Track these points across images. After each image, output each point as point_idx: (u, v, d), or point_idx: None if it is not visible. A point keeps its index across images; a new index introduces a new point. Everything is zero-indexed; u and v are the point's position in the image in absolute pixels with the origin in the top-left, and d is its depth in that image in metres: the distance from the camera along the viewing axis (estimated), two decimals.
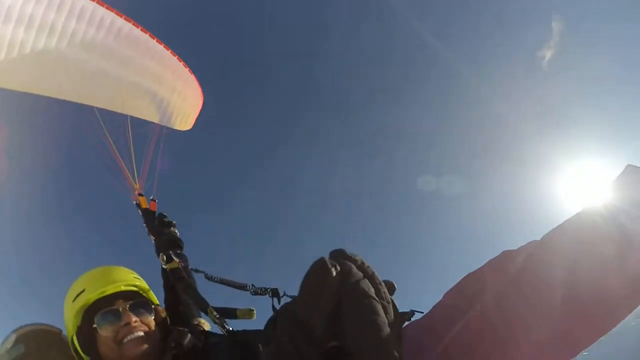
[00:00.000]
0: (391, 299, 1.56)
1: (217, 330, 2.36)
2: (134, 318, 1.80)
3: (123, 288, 1.89)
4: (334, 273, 1.47)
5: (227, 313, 2.37)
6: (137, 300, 1.88)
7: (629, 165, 1.72)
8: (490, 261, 1.79)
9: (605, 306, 1.57)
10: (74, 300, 1.84)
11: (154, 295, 2.09)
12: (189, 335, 1.96)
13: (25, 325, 2.11)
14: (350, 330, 1.36)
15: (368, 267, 1.59)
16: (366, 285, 1.47)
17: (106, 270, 1.99)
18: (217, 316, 2.30)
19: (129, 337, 1.76)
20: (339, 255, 1.59)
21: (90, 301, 1.82)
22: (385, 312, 1.42)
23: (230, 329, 2.25)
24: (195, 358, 1.86)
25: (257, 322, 2.37)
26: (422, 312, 1.82)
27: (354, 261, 1.56)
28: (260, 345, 1.85)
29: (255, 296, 2.26)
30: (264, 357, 1.46)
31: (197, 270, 2.72)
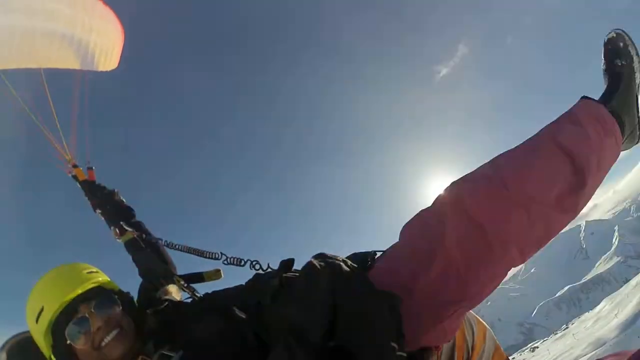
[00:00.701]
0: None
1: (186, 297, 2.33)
2: (103, 318, 1.73)
3: (81, 290, 1.78)
4: (325, 272, 1.49)
5: (194, 278, 2.46)
6: (100, 298, 1.78)
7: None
8: (443, 195, 1.75)
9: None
10: (37, 322, 1.74)
11: (114, 283, 1.99)
12: (162, 314, 1.92)
13: (7, 341, 1.97)
14: (346, 328, 1.37)
15: (351, 264, 1.60)
16: (358, 281, 1.50)
17: (57, 276, 1.86)
18: (185, 284, 2.35)
19: (106, 340, 1.71)
20: (323, 257, 1.60)
21: (54, 317, 1.72)
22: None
23: (201, 295, 2.25)
24: (173, 335, 1.80)
25: (225, 283, 2.42)
26: (383, 250, 1.82)
27: (339, 260, 1.58)
28: (234, 308, 1.81)
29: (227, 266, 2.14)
30: None
31: (154, 238, 2.68)
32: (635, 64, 2.01)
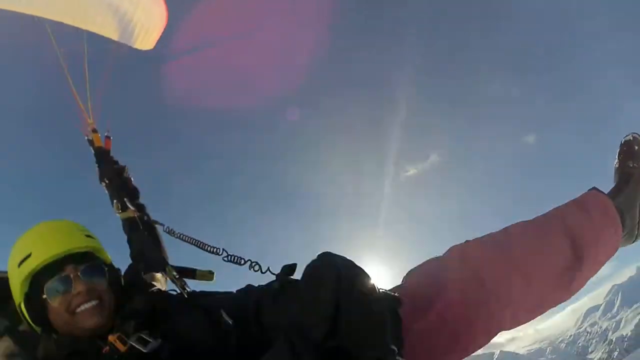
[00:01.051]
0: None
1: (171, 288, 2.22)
2: (86, 285, 1.67)
3: (73, 250, 1.72)
4: (332, 271, 1.43)
5: (185, 272, 2.32)
6: (89, 264, 1.72)
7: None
8: (453, 248, 1.81)
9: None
10: (19, 265, 1.68)
11: (107, 254, 1.93)
12: (147, 300, 1.86)
13: None
14: (348, 327, 1.33)
15: (358, 266, 1.56)
16: (362, 282, 1.45)
17: (54, 228, 1.80)
18: (177, 275, 2.23)
19: (82, 307, 1.65)
20: (328, 256, 1.56)
21: (39, 267, 1.66)
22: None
23: (190, 290, 2.13)
24: (154, 322, 1.75)
25: (216, 286, 2.34)
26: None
27: (346, 260, 1.54)
28: (222, 311, 1.77)
29: (227, 263, 2.06)
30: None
31: (155, 222, 2.64)
32: None
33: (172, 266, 2.34)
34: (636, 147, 2.19)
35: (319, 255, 1.58)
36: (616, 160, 2.26)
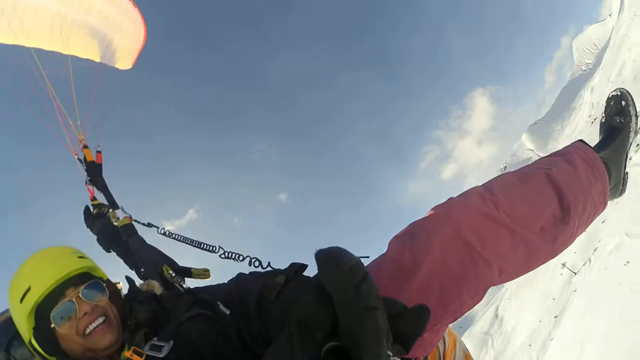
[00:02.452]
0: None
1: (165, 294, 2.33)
2: (90, 305, 1.68)
3: (70, 274, 1.72)
4: (342, 269, 1.29)
5: (182, 272, 2.35)
6: (87, 283, 1.72)
7: None
8: (437, 208, 1.71)
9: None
10: (21, 302, 1.67)
11: (102, 271, 1.92)
12: (147, 307, 1.83)
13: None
14: (346, 329, 1.24)
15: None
16: (368, 285, 1.31)
17: (46, 257, 1.79)
18: (173, 275, 2.28)
19: (91, 327, 1.66)
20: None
21: (41, 298, 1.65)
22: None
23: (188, 287, 2.19)
24: (160, 326, 1.76)
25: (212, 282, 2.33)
26: (367, 257, 1.72)
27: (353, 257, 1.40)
28: (219, 303, 1.80)
29: (224, 260, 2.15)
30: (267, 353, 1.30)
31: (150, 225, 2.73)
32: (633, 124, 2.18)
33: (168, 265, 2.39)
34: (623, 103, 2.18)
35: (330, 254, 1.34)
36: (602, 115, 2.24)
